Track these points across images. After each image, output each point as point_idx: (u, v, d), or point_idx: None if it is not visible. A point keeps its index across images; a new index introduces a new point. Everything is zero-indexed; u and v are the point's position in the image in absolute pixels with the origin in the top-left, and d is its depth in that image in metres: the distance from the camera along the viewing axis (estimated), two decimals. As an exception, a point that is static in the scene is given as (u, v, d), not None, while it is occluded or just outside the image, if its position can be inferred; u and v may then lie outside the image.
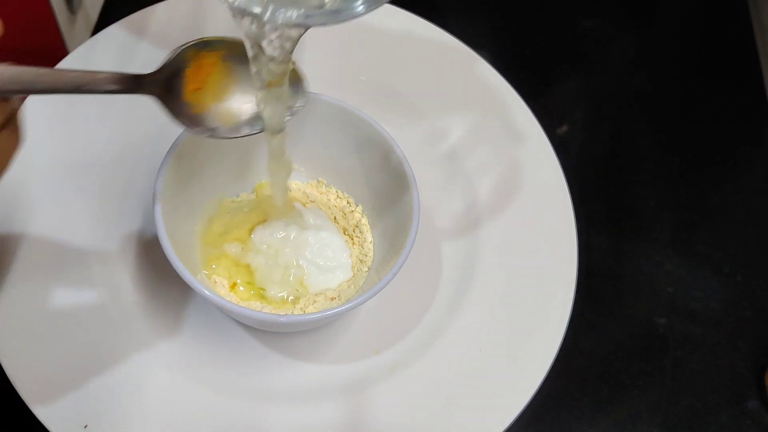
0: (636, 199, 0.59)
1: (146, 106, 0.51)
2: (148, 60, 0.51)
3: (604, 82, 0.65)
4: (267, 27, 0.30)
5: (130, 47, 0.52)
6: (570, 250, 0.48)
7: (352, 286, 0.45)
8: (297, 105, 0.39)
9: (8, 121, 0.29)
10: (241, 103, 0.38)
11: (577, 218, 0.49)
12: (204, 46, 0.36)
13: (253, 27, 0.30)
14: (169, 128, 0.49)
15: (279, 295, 0.44)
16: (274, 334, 0.45)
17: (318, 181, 0.49)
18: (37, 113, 0.46)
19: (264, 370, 0.44)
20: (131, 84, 0.33)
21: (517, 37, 0.67)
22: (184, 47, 0.36)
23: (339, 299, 0.44)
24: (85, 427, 0.39)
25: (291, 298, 0.44)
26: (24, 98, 0.31)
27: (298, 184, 0.49)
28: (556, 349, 0.45)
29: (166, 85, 0.35)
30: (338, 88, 0.53)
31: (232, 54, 0.37)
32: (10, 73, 0.28)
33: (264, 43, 0.31)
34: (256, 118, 0.38)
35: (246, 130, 0.38)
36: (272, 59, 0.32)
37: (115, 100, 0.50)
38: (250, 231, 0.46)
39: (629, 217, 0.58)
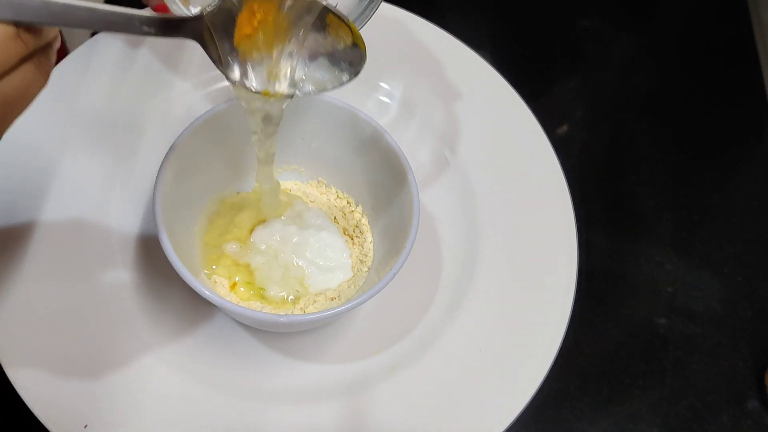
0: (636, 199, 0.59)
1: (146, 107, 0.51)
2: (148, 60, 0.52)
3: (604, 82, 0.65)
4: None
5: (130, 47, 0.52)
6: (570, 250, 0.48)
7: (352, 286, 0.45)
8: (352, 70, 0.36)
9: (34, 55, 0.27)
10: (291, 57, 0.35)
11: (577, 218, 0.49)
12: None
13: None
14: (170, 128, 0.49)
15: (279, 295, 0.44)
16: (274, 334, 0.45)
17: (318, 181, 0.49)
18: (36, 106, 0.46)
19: (264, 370, 0.44)
20: (170, 27, 0.30)
21: (517, 37, 0.67)
22: None
23: (339, 299, 0.44)
24: (85, 427, 0.39)
25: (291, 297, 0.44)
26: (58, 36, 0.29)
27: (298, 184, 0.49)
28: (556, 349, 0.45)
29: (212, 29, 0.33)
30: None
31: (290, 4, 0.34)
32: (40, 2, 0.26)
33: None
34: (303, 78, 0.36)
35: (285, 88, 0.35)
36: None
37: (115, 100, 0.51)
38: (250, 231, 0.46)
39: (629, 217, 0.58)
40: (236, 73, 0.34)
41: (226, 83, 0.37)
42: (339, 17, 0.34)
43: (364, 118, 0.44)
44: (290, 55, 0.35)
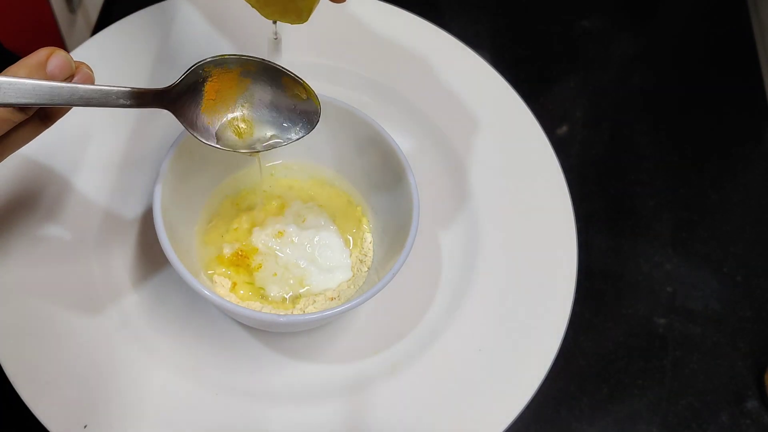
0: (636, 199, 0.59)
1: (147, 110, 0.51)
2: (147, 60, 0.52)
3: (604, 82, 0.65)
4: None
5: (129, 47, 0.52)
6: (570, 249, 0.48)
7: (352, 286, 0.45)
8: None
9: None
10: (255, 120, 0.40)
11: (577, 218, 0.49)
12: (221, 63, 0.37)
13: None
14: (170, 129, 0.49)
15: (279, 295, 0.44)
16: (274, 334, 0.45)
17: (318, 181, 0.49)
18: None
19: (264, 370, 0.44)
20: (145, 99, 0.34)
21: (517, 37, 0.67)
22: (201, 63, 0.37)
23: (339, 299, 0.44)
24: (85, 427, 0.40)
25: (290, 293, 0.44)
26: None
27: (298, 183, 0.49)
28: (556, 349, 0.45)
29: (183, 99, 0.37)
30: (338, 87, 0.53)
31: (248, 71, 0.38)
32: (30, 86, 0.30)
33: None
34: (267, 135, 0.40)
35: (258, 146, 0.40)
36: None
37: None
38: (250, 231, 0.46)
39: (629, 217, 0.58)
40: (207, 135, 0.38)
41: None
42: (294, 78, 0.39)
43: (364, 118, 0.44)
44: (251, 115, 0.40)
